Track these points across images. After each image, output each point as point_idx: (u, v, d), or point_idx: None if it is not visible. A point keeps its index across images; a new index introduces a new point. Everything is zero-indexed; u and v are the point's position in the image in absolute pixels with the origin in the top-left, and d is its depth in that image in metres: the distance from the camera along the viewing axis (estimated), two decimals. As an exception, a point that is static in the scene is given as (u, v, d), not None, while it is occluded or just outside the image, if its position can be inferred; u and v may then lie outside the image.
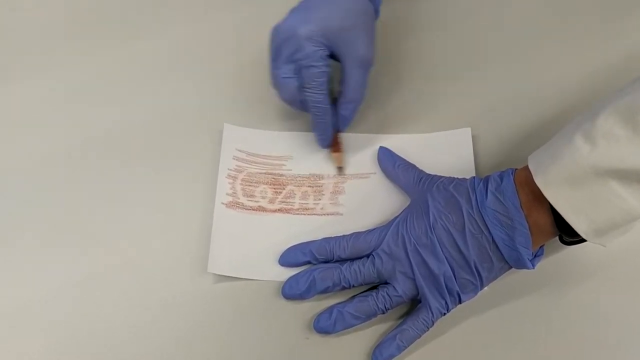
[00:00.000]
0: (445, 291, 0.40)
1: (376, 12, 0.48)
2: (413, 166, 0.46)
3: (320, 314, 0.42)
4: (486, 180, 0.41)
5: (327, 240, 0.43)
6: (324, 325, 0.41)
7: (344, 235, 0.44)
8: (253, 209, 0.47)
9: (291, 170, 0.49)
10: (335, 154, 0.48)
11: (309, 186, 0.48)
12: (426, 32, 0.55)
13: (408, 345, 0.41)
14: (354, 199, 0.47)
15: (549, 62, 0.53)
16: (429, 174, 0.44)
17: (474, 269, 0.39)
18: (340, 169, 0.48)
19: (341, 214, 0.47)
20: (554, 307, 0.43)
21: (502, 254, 0.39)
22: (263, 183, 0.48)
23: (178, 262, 0.45)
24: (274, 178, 0.48)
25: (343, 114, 0.47)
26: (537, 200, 0.38)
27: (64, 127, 0.51)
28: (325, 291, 0.42)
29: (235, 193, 0.47)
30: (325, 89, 0.44)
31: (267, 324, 0.43)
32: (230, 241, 0.45)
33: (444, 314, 0.41)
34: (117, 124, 0.51)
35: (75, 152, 0.50)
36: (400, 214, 0.43)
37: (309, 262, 0.44)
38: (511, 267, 0.40)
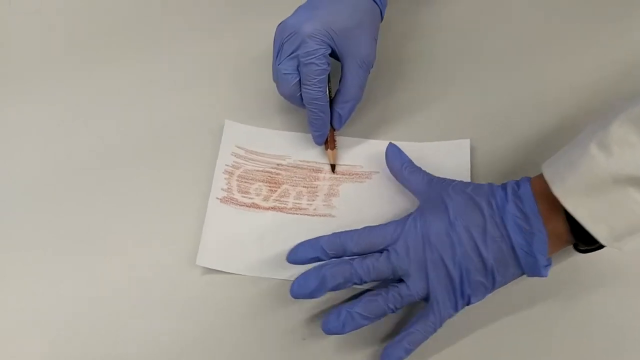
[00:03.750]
0: (458, 291, 0.39)
1: (381, 14, 0.49)
2: (419, 168, 0.46)
3: (328, 316, 0.40)
4: (504, 187, 0.41)
5: (337, 234, 0.42)
6: (333, 327, 0.40)
7: (354, 230, 0.42)
8: (246, 205, 0.46)
9: (288, 170, 0.48)
10: (329, 152, 0.48)
11: (304, 186, 0.47)
12: (425, 39, 0.55)
13: (415, 348, 0.40)
14: (348, 201, 0.47)
15: (548, 72, 0.53)
16: (439, 177, 0.44)
17: (490, 272, 0.39)
18: (333, 166, 0.49)
19: (333, 216, 0.46)
20: (564, 314, 0.43)
21: (518, 260, 0.39)
22: (259, 180, 0.47)
23: (176, 260, 0.45)
24: (270, 176, 0.48)
25: (339, 112, 0.47)
26: (554, 209, 0.39)
27: (63, 127, 0.51)
28: (336, 288, 0.40)
29: (230, 189, 0.47)
30: (324, 86, 0.45)
31: (264, 325, 0.42)
32: (221, 236, 0.45)
33: (452, 315, 0.40)
34: (119, 119, 0.51)
35: (76, 151, 0.50)
36: (413, 213, 0.43)
37: (317, 259, 0.42)
38: (522, 274, 0.40)
